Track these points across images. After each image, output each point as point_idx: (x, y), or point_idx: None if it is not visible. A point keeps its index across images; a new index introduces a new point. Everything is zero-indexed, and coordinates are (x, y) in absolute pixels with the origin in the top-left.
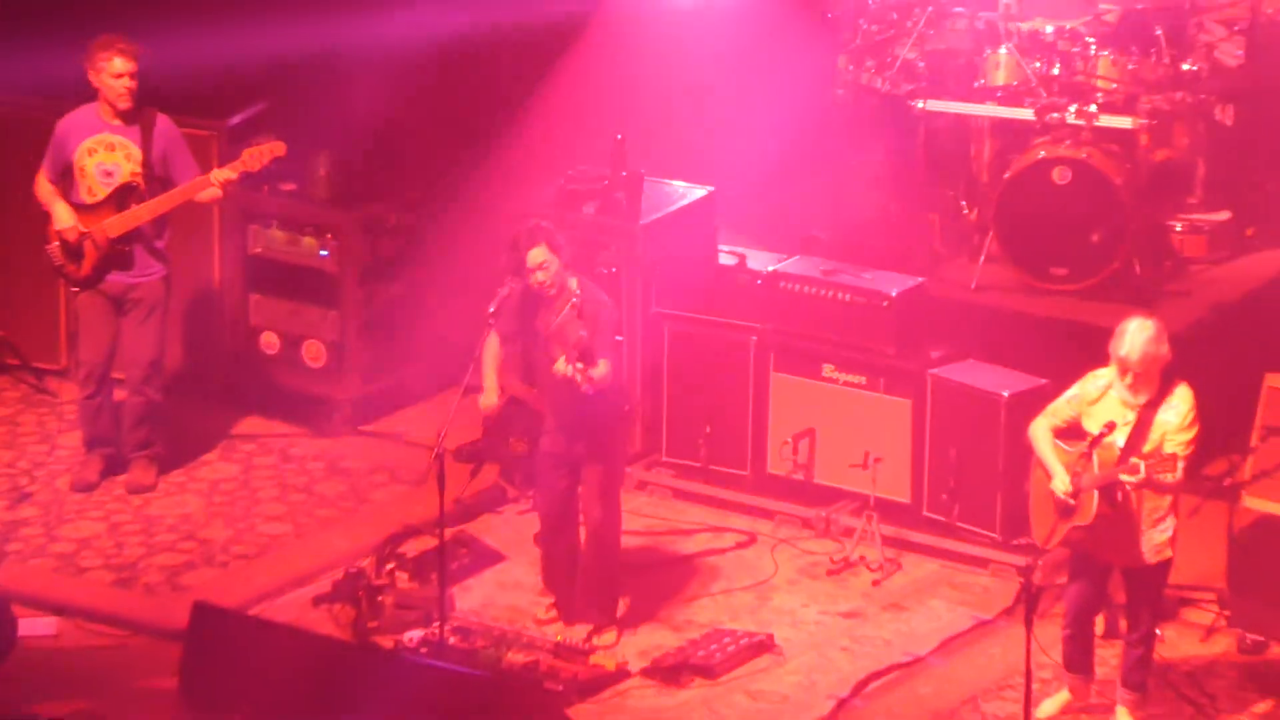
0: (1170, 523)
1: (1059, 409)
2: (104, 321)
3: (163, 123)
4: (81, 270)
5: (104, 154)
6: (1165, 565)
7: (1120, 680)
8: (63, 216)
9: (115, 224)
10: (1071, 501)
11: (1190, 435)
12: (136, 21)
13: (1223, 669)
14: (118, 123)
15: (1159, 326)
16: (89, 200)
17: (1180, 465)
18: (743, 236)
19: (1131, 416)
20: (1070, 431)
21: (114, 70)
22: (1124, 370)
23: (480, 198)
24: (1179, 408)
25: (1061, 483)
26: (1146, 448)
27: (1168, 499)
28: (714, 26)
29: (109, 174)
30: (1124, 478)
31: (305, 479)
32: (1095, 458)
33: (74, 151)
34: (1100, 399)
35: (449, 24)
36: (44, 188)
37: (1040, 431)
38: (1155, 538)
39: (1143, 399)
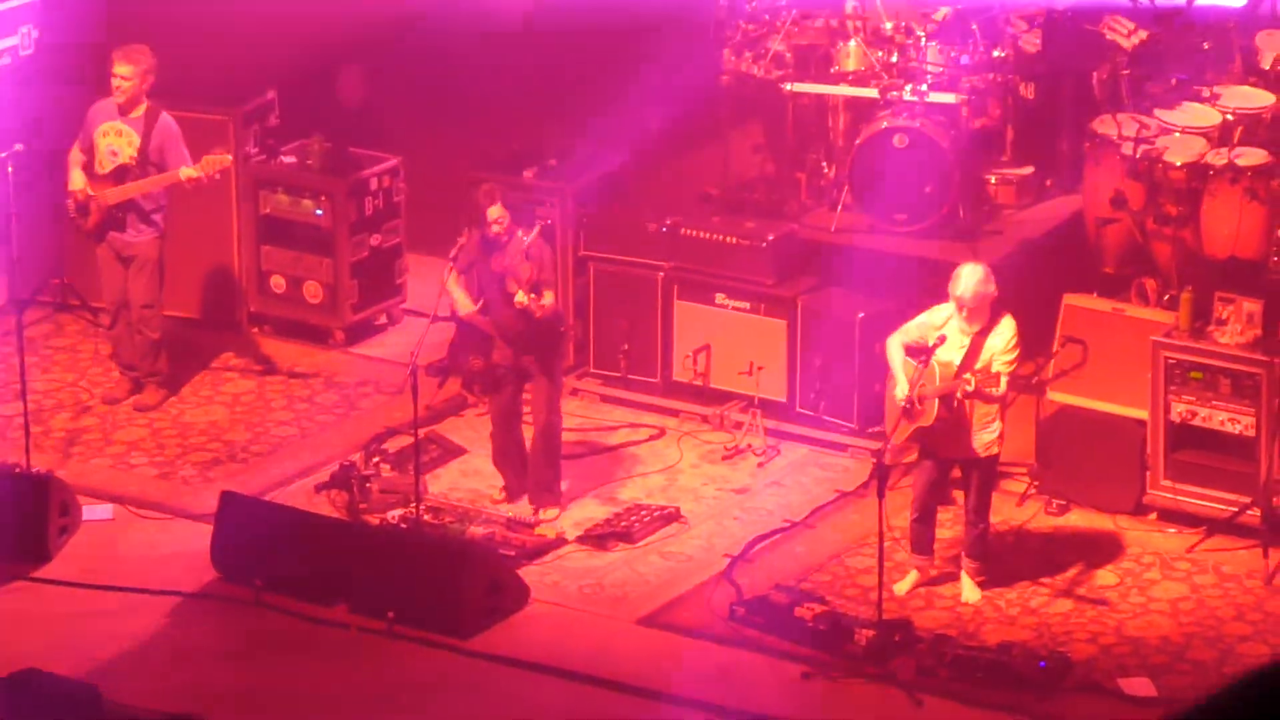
0: (997, 426)
1: (909, 330)
2: (113, 271)
3: (163, 120)
4: (88, 225)
5: (113, 138)
6: (994, 459)
7: (964, 551)
8: (75, 180)
9: (112, 194)
10: (918, 407)
11: (1012, 356)
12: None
13: (1034, 526)
14: (130, 115)
15: (987, 270)
16: (99, 172)
17: (1004, 380)
18: (651, 195)
19: (967, 341)
20: (917, 350)
21: (113, 71)
22: (960, 306)
23: (441, 163)
24: (1004, 334)
25: (903, 390)
26: (978, 366)
27: (995, 407)
28: (628, 33)
29: (114, 154)
30: (958, 389)
31: (308, 391)
32: (937, 371)
33: (94, 132)
34: (943, 326)
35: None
36: (72, 155)
37: (894, 346)
38: (984, 437)
39: (976, 328)
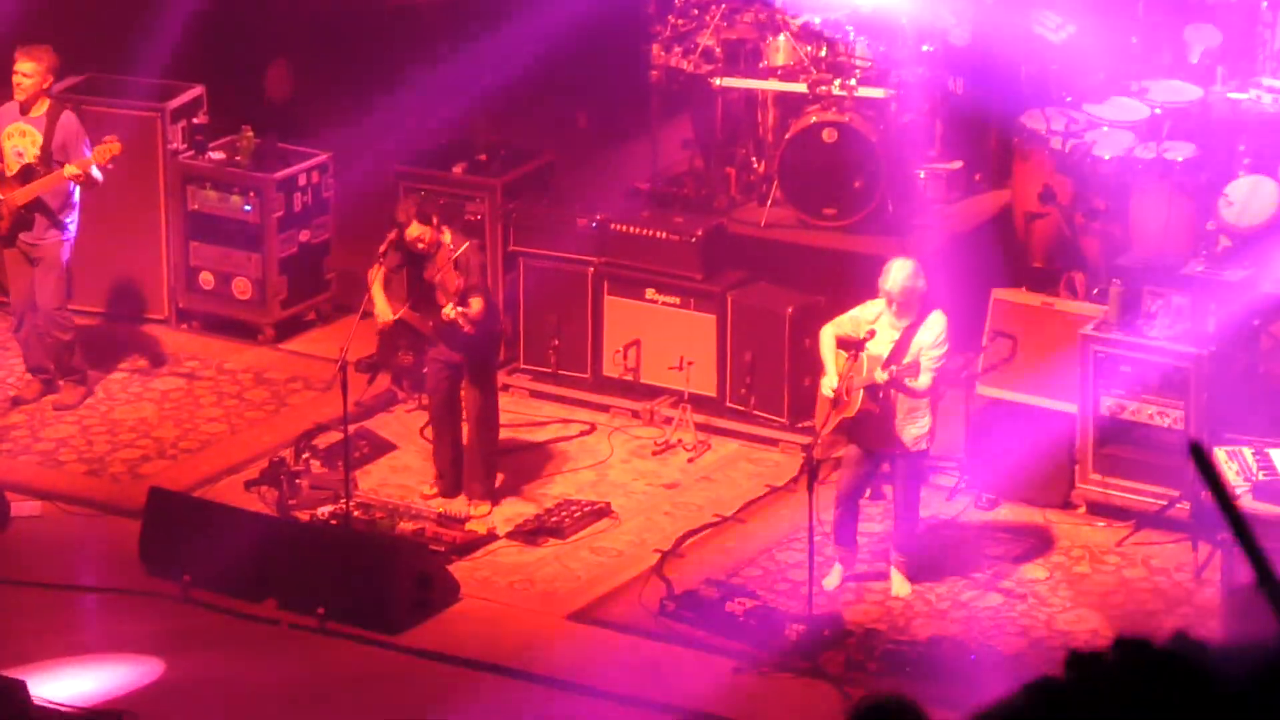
0: (926, 420)
1: (842, 322)
2: (21, 272)
3: (66, 117)
4: (1, 228)
5: (17, 139)
6: (923, 454)
7: (893, 546)
8: None
9: (19, 195)
10: (844, 397)
11: (941, 351)
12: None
13: (964, 520)
14: (31, 114)
15: (916, 265)
16: (7, 174)
17: (928, 374)
18: (580, 190)
19: (897, 335)
20: (848, 343)
21: (15, 68)
22: (889, 301)
23: (371, 157)
24: (934, 329)
25: (830, 380)
26: (906, 360)
27: (924, 401)
28: (556, 28)
29: (20, 154)
30: (877, 377)
31: (237, 387)
32: (865, 364)
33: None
34: (875, 321)
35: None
36: None
37: (826, 337)
38: (912, 431)
39: (905, 322)
